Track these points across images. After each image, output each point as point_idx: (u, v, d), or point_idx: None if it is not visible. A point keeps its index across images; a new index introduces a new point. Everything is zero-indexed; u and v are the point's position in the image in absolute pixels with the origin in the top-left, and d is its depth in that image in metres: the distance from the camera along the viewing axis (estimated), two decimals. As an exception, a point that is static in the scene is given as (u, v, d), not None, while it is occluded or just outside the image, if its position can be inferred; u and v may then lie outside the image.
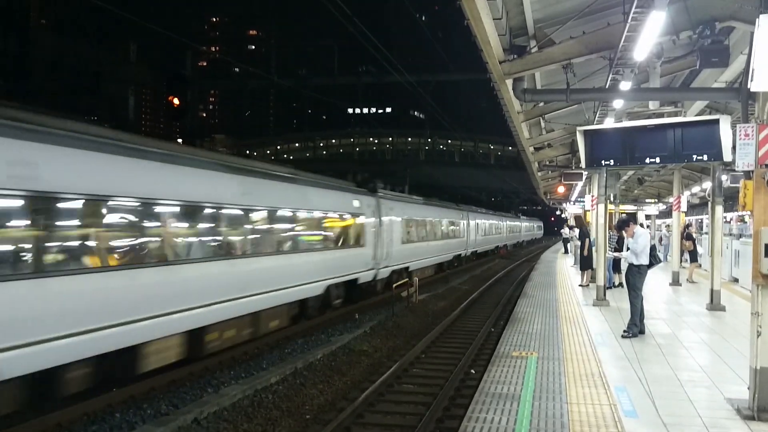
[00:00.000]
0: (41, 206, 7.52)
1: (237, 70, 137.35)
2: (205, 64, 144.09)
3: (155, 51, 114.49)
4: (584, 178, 21.17)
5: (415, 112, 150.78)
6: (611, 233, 16.24)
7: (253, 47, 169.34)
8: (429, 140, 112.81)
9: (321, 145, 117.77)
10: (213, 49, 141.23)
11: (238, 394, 9.50)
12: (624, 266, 12.50)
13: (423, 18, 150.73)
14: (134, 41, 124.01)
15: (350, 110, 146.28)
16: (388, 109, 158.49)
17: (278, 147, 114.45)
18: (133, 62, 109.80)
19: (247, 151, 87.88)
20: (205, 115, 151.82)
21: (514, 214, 63.67)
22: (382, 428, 8.42)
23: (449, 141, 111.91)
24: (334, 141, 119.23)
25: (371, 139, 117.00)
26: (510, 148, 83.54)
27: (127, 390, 9.30)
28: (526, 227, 75.48)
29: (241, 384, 10.02)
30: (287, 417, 8.92)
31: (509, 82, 10.85)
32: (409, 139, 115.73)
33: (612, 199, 19.14)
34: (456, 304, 20.09)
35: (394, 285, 18.91)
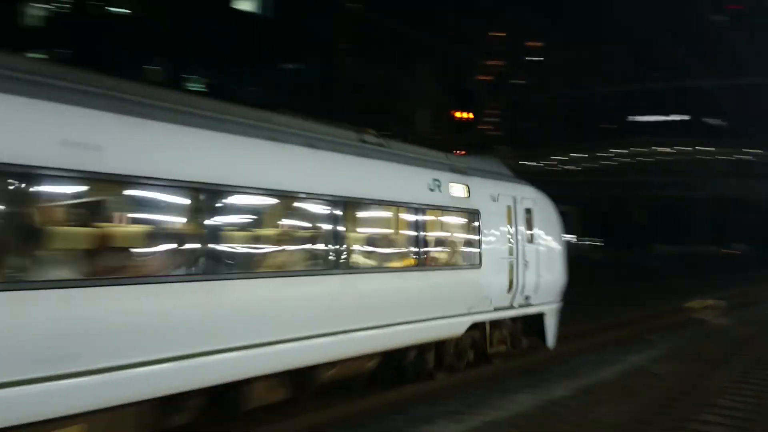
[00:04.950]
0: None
1: (521, 82, 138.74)
2: (488, 78, 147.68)
3: (441, 68, 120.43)
4: None
5: (708, 119, 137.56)
6: None
7: (537, 58, 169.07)
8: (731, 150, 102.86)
9: (598, 154, 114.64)
10: (495, 62, 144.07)
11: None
12: None
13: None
14: (422, 60, 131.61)
15: (632, 118, 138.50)
16: (675, 117, 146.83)
17: (552, 157, 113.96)
18: (424, 80, 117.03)
19: (520, 162, 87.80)
20: (490, 127, 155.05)
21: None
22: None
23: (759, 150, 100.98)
24: (612, 151, 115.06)
25: (656, 148, 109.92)
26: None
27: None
28: None
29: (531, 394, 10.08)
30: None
31: None
32: (705, 148, 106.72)
33: None
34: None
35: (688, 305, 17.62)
